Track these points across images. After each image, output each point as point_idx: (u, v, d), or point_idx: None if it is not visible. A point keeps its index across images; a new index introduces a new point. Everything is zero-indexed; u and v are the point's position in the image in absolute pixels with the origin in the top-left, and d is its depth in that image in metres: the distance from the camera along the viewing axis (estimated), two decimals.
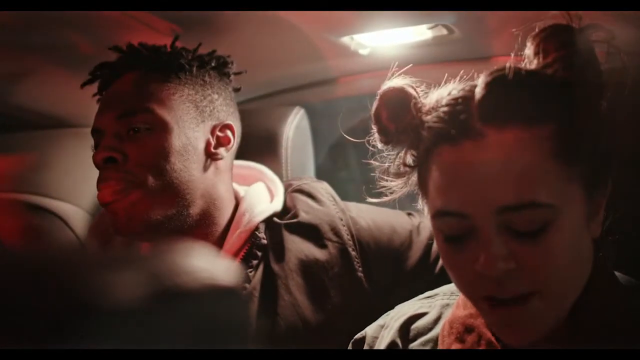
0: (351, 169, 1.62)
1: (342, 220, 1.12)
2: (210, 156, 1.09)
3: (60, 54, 1.22)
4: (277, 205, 1.14)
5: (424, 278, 1.05)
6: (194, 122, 1.08)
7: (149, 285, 0.35)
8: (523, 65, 0.73)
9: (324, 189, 1.18)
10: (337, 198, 1.17)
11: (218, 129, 1.10)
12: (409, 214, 1.18)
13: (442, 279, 0.93)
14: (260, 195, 1.16)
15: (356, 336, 0.93)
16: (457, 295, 0.85)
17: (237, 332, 0.40)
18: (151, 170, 1.03)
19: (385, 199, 0.85)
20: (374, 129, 0.80)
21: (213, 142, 1.09)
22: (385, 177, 0.83)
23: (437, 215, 0.71)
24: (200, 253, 0.39)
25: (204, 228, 1.09)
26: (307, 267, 1.08)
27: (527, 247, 0.66)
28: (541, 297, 0.68)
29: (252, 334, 0.42)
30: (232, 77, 1.18)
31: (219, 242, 1.09)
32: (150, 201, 1.03)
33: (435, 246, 1.11)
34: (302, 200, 1.15)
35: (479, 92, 0.70)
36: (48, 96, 1.38)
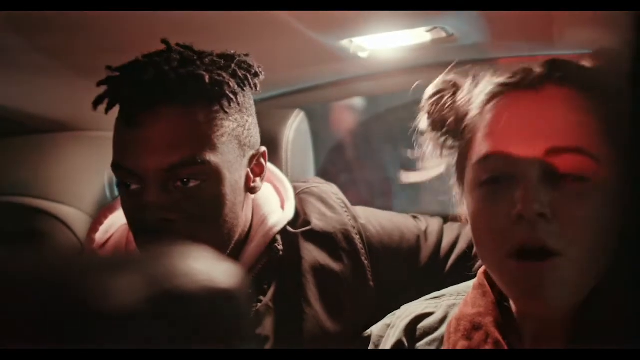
0: (351, 171, 1.62)
1: (354, 228, 1.11)
2: (249, 190, 1.02)
3: (61, 57, 1.22)
4: (290, 213, 1.10)
5: (434, 281, 1.05)
6: (239, 160, 0.98)
7: (147, 287, 0.35)
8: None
9: (334, 194, 1.15)
10: (348, 203, 1.15)
11: (254, 159, 1.02)
12: (415, 217, 1.19)
13: (449, 282, 0.94)
14: (272, 202, 1.11)
15: (362, 334, 0.95)
16: (464, 296, 0.86)
17: (236, 335, 0.40)
18: (202, 222, 0.95)
19: (418, 178, 0.90)
20: (423, 117, 0.86)
21: (252, 177, 1.02)
22: (425, 159, 0.88)
23: (483, 159, 0.75)
24: (200, 256, 0.39)
25: (225, 247, 1.01)
26: (323, 278, 1.06)
27: (565, 199, 0.70)
28: (565, 261, 0.69)
29: (252, 337, 0.42)
30: (258, 87, 1.04)
31: (237, 253, 1.04)
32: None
33: (443, 250, 1.11)
34: (313, 204, 1.12)
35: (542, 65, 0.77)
36: (48, 100, 1.38)
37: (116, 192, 1.31)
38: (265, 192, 1.12)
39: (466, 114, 0.81)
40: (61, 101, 1.40)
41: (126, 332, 0.34)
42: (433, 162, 0.87)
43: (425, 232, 1.14)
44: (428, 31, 1.21)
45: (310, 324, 1.02)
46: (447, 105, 0.84)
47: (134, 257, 0.41)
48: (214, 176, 0.94)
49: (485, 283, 0.81)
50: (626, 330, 0.70)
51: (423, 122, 0.86)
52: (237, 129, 0.97)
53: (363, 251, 1.09)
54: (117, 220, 1.15)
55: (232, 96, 0.96)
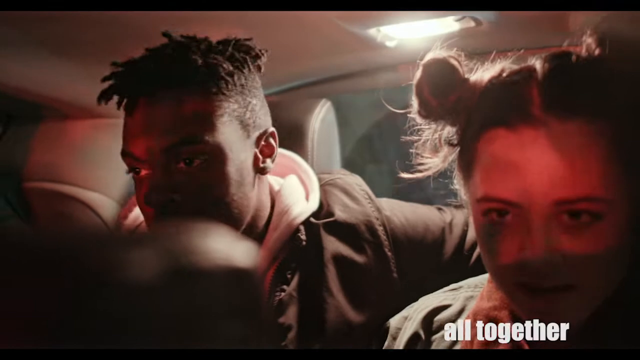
0: (378, 161, 1.61)
1: (378, 219, 1.10)
2: (259, 171, 1.03)
3: (93, 45, 1.23)
4: (314, 204, 1.10)
5: (457, 275, 1.04)
6: (242, 140, 0.99)
7: (164, 262, 0.36)
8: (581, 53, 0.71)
9: (358, 185, 1.15)
10: (372, 195, 1.15)
11: (263, 139, 1.03)
12: (439, 209, 1.17)
13: (474, 275, 0.92)
14: (296, 191, 1.12)
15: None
16: (481, 288, 0.84)
17: (251, 316, 0.40)
18: (209, 202, 0.96)
19: (418, 175, 0.83)
20: (414, 101, 0.78)
21: (261, 157, 1.02)
22: (422, 153, 0.82)
23: (484, 200, 0.70)
24: (218, 234, 0.39)
25: (246, 234, 1.02)
26: (346, 269, 1.06)
27: (574, 241, 0.66)
28: (577, 291, 0.67)
29: (266, 319, 0.42)
30: (262, 68, 1.06)
31: (258, 242, 1.05)
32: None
33: (468, 242, 1.10)
34: (336, 195, 1.12)
35: (542, 78, 0.69)
36: (75, 86, 1.40)
37: None
38: (291, 183, 1.12)
39: (465, 104, 0.75)
40: (88, 88, 1.42)
41: (141, 305, 0.35)
42: (431, 159, 0.82)
43: (450, 224, 1.13)
44: (457, 20, 1.19)
45: (333, 314, 1.02)
46: (439, 91, 0.76)
47: (154, 233, 0.41)
48: (216, 155, 0.95)
49: None
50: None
51: (414, 111, 0.79)
52: (238, 110, 0.99)
53: (386, 243, 1.09)
54: None
55: (228, 78, 0.97)
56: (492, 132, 0.69)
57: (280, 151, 1.19)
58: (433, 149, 0.81)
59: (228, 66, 0.98)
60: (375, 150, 1.62)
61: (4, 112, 1.46)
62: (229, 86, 0.98)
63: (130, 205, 1.18)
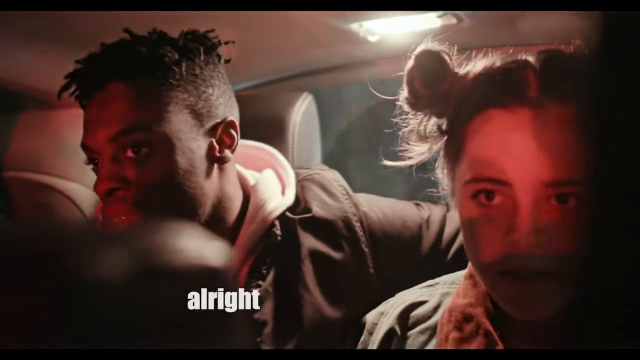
0: (359, 155, 1.62)
1: (355, 215, 1.10)
2: (216, 161, 1.02)
3: (77, 35, 1.22)
4: (290, 198, 1.10)
5: (434, 271, 1.05)
6: (194, 130, 1.00)
7: (136, 262, 0.36)
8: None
9: (336, 181, 1.15)
10: (350, 191, 1.15)
11: (220, 128, 1.03)
12: (417, 205, 1.18)
13: (451, 271, 0.93)
14: (272, 186, 1.12)
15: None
16: (458, 285, 0.85)
17: (224, 315, 0.40)
18: (158, 192, 0.97)
19: (401, 163, 0.85)
20: (404, 89, 0.80)
21: (217, 147, 1.02)
22: (407, 142, 0.84)
23: (474, 181, 0.72)
24: (191, 233, 0.39)
25: (215, 229, 1.02)
26: (322, 264, 1.06)
27: (560, 225, 0.67)
28: (557, 277, 0.68)
29: (241, 317, 0.42)
30: (220, 56, 1.06)
31: (232, 237, 1.05)
32: (155, 215, 0.97)
33: (445, 239, 1.11)
34: (314, 191, 1.12)
35: (538, 65, 0.72)
36: (56, 75, 1.39)
37: None
38: (267, 177, 1.13)
39: (453, 96, 0.76)
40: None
41: (113, 305, 0.35)
42: (416, 147, 0.83)
43: (428, 220, 1.14)
44: (439, 17, 1.20)
45: (310, 310, 1.03)
46: (429, 81, 0.78)
47: (126, 232, 0.41)
48: (162, 144, 0.97)
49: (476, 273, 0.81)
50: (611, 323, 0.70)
51: (403, 100, 0.81)
52: (189, 99, 1.00)
53: (363, 239, 1.09)
54: None
55: (174, 67, 0.99)
56: (488, 113, 0.72)
57: (258, 145, 1.20)
58: (418, 138, 0.83)
59: (174, 55, 0.99)
60: (356, 144, 1.62)
61: None
62: (176, 75, 0.99)
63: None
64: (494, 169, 0.70)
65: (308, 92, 1.42)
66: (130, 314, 0.35)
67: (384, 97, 0.89)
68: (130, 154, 0.97)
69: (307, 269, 1.05)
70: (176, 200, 0.98)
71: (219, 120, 1.03)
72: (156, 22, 1.05)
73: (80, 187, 1.43)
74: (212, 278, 0.39)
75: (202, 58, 1.02)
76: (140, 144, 0.97)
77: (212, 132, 1.02)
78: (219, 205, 1.04)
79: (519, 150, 0.68)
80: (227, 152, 1.04)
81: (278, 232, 1.06)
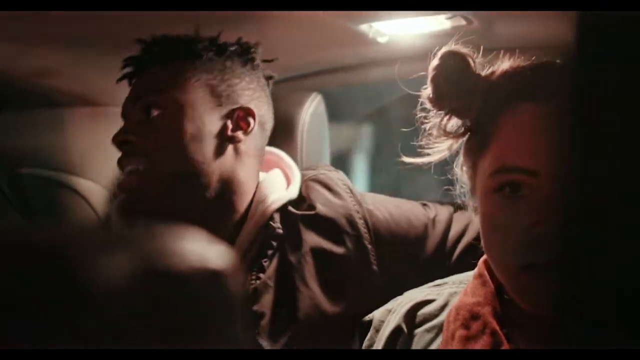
0: (367, 156, 1.62)
1: (358, 212, 1.12)
2: (228, 140, 1.09)
3: (83, 34, 1.23)
4: (293, 192, 1.14)
5: (438, 270, 1.06)
6: (210, 105, 1.09)
7: (138, 265, 0.36)
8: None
9: (340, 180, 1.17)
10: (354, 189, 1.17)
11: (237, 113, 1.10)
12: (424, 205, 1.19)
13: (456, 271, 0.94)
14: (277, 182, 1.15)
15: (364, 318, 0.96)
16: (466, 285, 0.86)
17: (224, 318, 0.40)
18: (165, 152, 1.06)
19: (420, 159, 0.87)
20: (428, 87, 0.83)
21: (230, 126, 1.09)
22: (427, 140, 0.85)
23: (504, 171, 0.73)
24: (193, 236, 0.40)
25: (222, 213, 1.09)
26: (323, 260, 1.08)
27: None
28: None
29: (242, 320, 0.42)
30: (258, 62, 1.17)
31: (237, 229, 1.09)
32: (162, 181, 1.05)
33: (450, 239, 1.11)
34: (318, 191, 1.15)
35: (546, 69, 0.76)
36: (70, 74, 1.40)
37: None
38: (274, 176, 1.16)
39: (477, 97, 0.78)
40: (83, 76, 1.42)
41: (114, 309, 0.35)
42: (436, 145, 0.85)
43: (434, 220, 1.14)
44: (448, 18, 1.20)
45: (306, 304, 1.05)
46: (453, 81, 0.80)
47: (129, 235, 0.41)
48: (175, 108, 1.07)
49: (485, 273, 0.81)
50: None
51: (426, 99, 0.84)
52: (212, 80, 1.11)
53: (367, 235, 1.11)
54: None
55: (202, 53, 1.11)
56: (520, 106, 0.74)
57: (267, 148, 1.23)
58: (439, 135, 0.84)
59: (206, 43, 1.12)
60: (365, 144, 1.63)
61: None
62: (202, 59, 1.11)
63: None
64: (525, 158, 0.71)
65: (317, 92, 1.43)
66: (132, 316, 0.36)
67: (410, 91, 0.90)
68: (145, 114, 1.08)
69: (308, 264, 1.08)
70: (179, 162, 1.05)
71: (237, 106, 1.11)
72: (165, 22, 1.10)
73: (93, 184, 1.44)
74: (213, 281, 0.39)
75: (233, 50, 1.13)
76: (155, 105, 1.07)
77: (229, 114, 1.10)
78: (230, 187, 1.09)
79: (548, 140, 0.69)
80: (240, 133, 1.10)
81: (275, 224, 1.09)
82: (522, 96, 0.74)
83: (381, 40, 1.28)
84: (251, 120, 1.11)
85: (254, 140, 1.13)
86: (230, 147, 1.09)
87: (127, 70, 1.14)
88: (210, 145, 1.08)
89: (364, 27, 1.23)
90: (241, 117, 1.11)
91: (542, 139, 0.70)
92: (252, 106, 1.12)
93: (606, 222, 0.37)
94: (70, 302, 0.34)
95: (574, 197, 0.39)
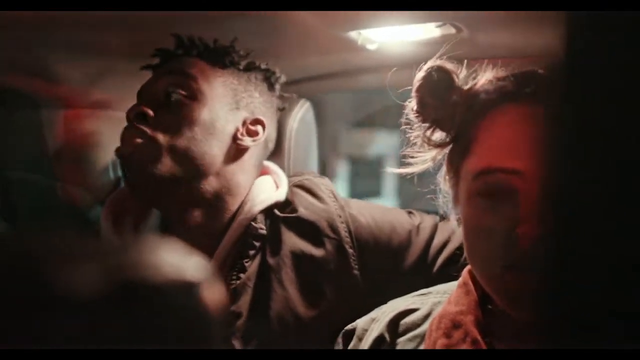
0: (354, 163, 1.62)
1: (340, 217, 1.13)
2: (236, 143, 1.12)
3: (71, 35, 1.22)
4: (280, 195, 1.15)
5: (420, 278, 1.06)
6: (229, 106, 1.13)
7: (114, 276, 0.36)
8: None
9: (324, 185, 1.18)
10: (338, 194, 1.18)
11: (249, 121, 1.14)
12: (409, 213, 1.19)
13: (438, 280, 0.94)
14: (265, 186, 1.17)
15: (347, 327, 0.95)
16: (450, 294, 0.85)
17: (201, 330, 0.40)
18: (174, 134, 1.07)
19: (404, 170, 0.88)
20: (413, 99, 0.84)
21: (241, 130, 1.13)
22: (411, 150, 0.86)
23: (487, 172, 0.73)
24: (170, 248, 0.39)
25: (215, 210, 1.11)
26: (302, 263, 1.09)
27: None
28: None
29: (219, 333, 0.42)
30: (277, 89, 1.23)
31: (224, 228, 1.11)
32: (164, 160, 1.06)
33: (434, 246, 1.11)
34: (302, 195, 1.16)
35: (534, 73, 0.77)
36: (61, 76, 1.40)
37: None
38: (264, 181, 1.17)
39: (460, 109, 0.79)
40: (75, 77, 1.41)
41: (88, 320, 0.35)
42: (419, 156, 0.86)
43: (418, 227, 1.15)
44: (437, 26, 1.20)
45: (280, 305, 1.05)
46: (437, 94, 0.82)
47: (105, 245, 0.41)
48: (196, 95, 1.10)
49: (470, 282, 0.81)
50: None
51: (411, 111, 0.85)
52: (237, 86, 1.15)
53: (348, 239, 1.11)
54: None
55: (237, 61, 1.16)
56: (503, 108, 0.75)
57: None
58: (423, 145, 0.85)
59: (240, 55, 1.18)
60: (353, 151, 1.63)
61: None
62: (234, 68, 1.16)
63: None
64: (508, 159, 0.71)
65: (306, 99, 1.43)
66: (104, 330, 0.35)
67: (398, 101, 0.91)
68: (166, 97, 1.10)
69: (286, 266, 1.08)
70: (185, 146, 1.07)
71: (250, 115, 1.15)
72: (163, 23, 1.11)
73: (80, 190, 1.43)
74: (189, 293, 0.39)
75: (261, 69, 1.20)
76: (178, 87, 1.10)
77: (242, 120, 1.14)
78: (227, 186, 1.11)
79: (528, 139, 0.70)
80: (249, 139, 1.13)
81: (257, 225, 1.10)
82: (504, 99, 0.75)
83: (370, 47, 1.28)
84: (261, 130, 1.15)
85: (258, 151, 1.16)
86: (236, 150, 1.12)
87: (156, 61, 1.17)
88: (219, 141, 1.10)
89: (352, 34, 1.23)
90: (253, 126, 1.15)
91: (525, 139, 0.70)
92: (262, 117, 1.17)
93: (588, 223, 0.37)
94: (46, 308, 0.34)
95: (556, 197, 0.38)
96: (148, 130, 1.07)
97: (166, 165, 1.06)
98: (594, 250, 0.40)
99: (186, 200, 1.08)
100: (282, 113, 1.36)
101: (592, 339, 0.37)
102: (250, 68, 1.18)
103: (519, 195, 0.70)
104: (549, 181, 0.46)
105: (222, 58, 1.15)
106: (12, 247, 0.38)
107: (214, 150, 1.09)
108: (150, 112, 1.08)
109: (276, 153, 1.31)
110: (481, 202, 0.74)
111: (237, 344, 1.03)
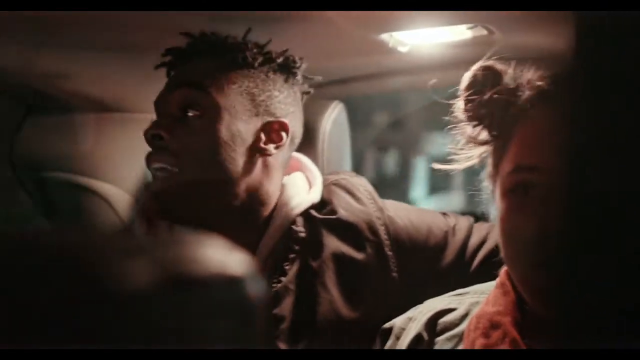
0: (388, 164, 1.63)
1: (379, 219, 1.13)
2: (259, 151, 1.08)
3: (110, 39, 1.25)
4: (315, 196, 1.14)
5: (457, 279, 1.06)
6: (247, 114, 1.08)
7: (159, 272, 0.36)
8: None
9: (362, 186, 1.18)
10: (376, 196, 1.18)
11: (271, 125, 1.10)
12: (444, 214, 1.20)
13: (474, 280, 0.95)
14: (299, 185, 1.16)
15: (384, 325, 0.96)
16: (487, 294, 0.86)
17: (245, 325, 0.40)
18: (196, 156, 1.04)
19: (450, 166, 0.90)
20: (460, 97, 0.86)
21: (263, 138, 1.09)
22: (458, 147, 0.89)
23: (516, 171, 0.76)
24: (214, 244, 0.40)
25: (247, 221, 1.09)
26: (344, 265, 1.09)
27: None
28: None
29: (262, 328, 0.43)
30: (299, 78, 1.17)
31: (260, 232, 1.10)
32: (190, 186, 1.04)
33: (470, 247, 1.12)
34: (340, 195, 1.15)
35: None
36: (97, 81, 1.42)
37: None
38: (296, 179, 1.17)
39: (506, 108, 0.81)
40: (107, 82, 1.44)
41: (137, 315, 0.36)
42: (464, 154, 0.88)
43: (454, 228, 1.15)
44: (469, 28, 1.21)
45: (325, 308, 1.06)
46: (485, 95, 0.83)
47: (150, 241, 0.41)
48: (213, 112, 1.06)
49: (507, 282, 0.82)
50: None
51: (458, 109, 0.87)
52: (254, 89, 1.10)
53: (387, 242, 1.11)
54: None
55: (250, 59, 1.09)
56: (537, 109, 0.78)
57: None
58: (468, 143, 0.87)
59: (254, 50, 1.10)
60: (386, 153, 1.64)
61: (25, 102, 1.48)
62: (248, 65, 1.09)
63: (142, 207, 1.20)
64: (537, 157, 0.74)
65: (339, 101, 1.44)
66: (152, 325, 0.36)
67: (441, 100, 0.92)
68: (181, 111, 1.06)
69: (329, 268, 1.08)
70: (212, 170, 1.04)
71: (273, 119, 1.10)
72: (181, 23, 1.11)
73: (117, 189, 1.46)
74: (234, 288, 0.39)
75: (279, 62, 1.13)
76: (193, 104, 1.06)
77: (264, 126, 1.10)
78: (256, 198, 1.09)
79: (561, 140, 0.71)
80: (271, 146, 1.09)
81: (298, 228, 1.10)
82: (541, 99, 0.78)
83: (402, 49, 1.29)
84: (284, 134, 1.11)
85: (282, 153, 1.13)
86: (260, 159, 1.09)
87: (168, 59, 1.13)
88: (242, 154, 1.07)
89: (384, 37, 1.24)
90: (275, 131, 1.11)
91: (555, 138, 0.71)
92: (287, 120, 1.12)
93: (613, 221, 0.38)
94: (91, 306, 0.35)
95: (582, 196, 0.39)
96: (169, 161, 1.04)
97: (194, 199, 1.05)
98: (615, 250, 0.41)
99: (218, 218, 1.06)
100: (316, 115, 1.37)
101: (608, 338, 0.38)
102: (266, 63, 1.12)
103: (547, 193, 0.71)
104: (571, 180, 0.47)
105: (236, 56, 1.10)
106: (57, 243, 0.38)
107: (239, 165, 1.06)
108: (166, 135, 1.05)
109: (310, 154, 1.32)
110: (512, 199, 0.76)
111: (282, 347, 1.03)
